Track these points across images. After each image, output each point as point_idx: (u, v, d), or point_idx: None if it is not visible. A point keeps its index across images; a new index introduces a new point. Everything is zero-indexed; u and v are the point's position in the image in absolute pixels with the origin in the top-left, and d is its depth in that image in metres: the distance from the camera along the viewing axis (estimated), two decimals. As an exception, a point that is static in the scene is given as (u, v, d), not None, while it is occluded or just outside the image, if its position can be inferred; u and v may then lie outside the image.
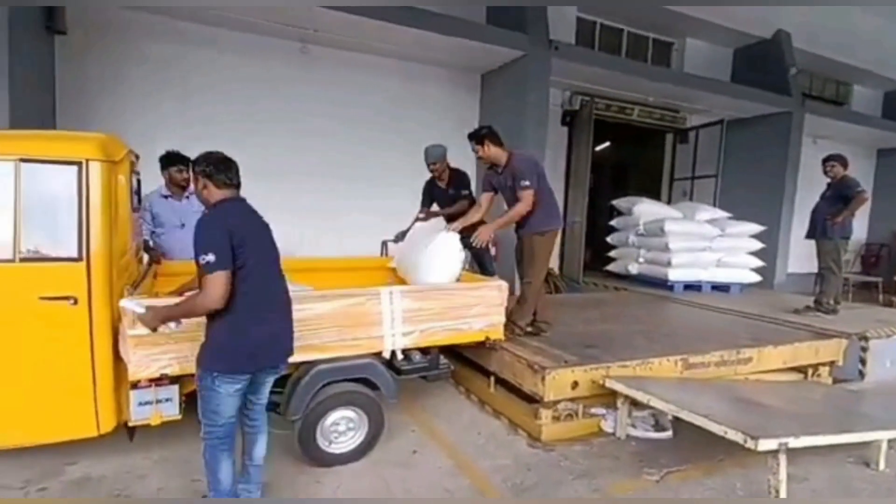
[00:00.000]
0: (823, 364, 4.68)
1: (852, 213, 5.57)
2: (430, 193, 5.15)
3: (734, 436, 2.61)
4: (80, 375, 2.55)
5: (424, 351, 3.43)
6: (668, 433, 3.54)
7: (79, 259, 2.50)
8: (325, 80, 7.07)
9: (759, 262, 7.67)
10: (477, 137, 4.18)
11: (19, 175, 2.42)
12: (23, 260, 2.44)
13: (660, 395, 3.17)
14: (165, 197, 4.14)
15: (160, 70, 6.24)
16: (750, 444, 2.51)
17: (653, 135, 10.65)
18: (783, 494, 2.61)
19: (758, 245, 7.60)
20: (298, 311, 2.82)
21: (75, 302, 2.50)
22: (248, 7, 5.71)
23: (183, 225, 4.10)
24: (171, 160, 4.07)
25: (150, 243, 4.05)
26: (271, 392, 3.05)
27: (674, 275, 7.19)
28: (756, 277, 7.67)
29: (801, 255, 10.59)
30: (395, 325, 3.15)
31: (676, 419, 3.43)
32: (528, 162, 4.20)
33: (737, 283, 7.59)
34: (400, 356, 3.26)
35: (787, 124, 9.46)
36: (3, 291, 2.43)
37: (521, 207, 4.03)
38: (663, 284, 7.31)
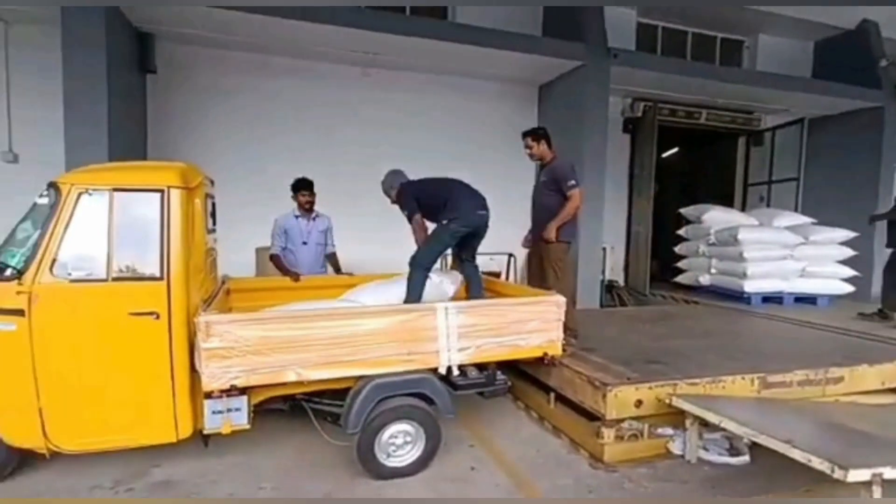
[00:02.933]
0: (931, 385, 4.17)
1: None
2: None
3: (820, 464, 2.38)
4: (162, 385, 2.78)
5: (481, 367, 3.42)
6: (745, 458, 3.29)
7: (160, 278, 2.73)
8: (387, 102, 7.32)
9: (851, 272, 7.01)
10: (535, 134, 4.57)
11: (112, 203, 2.70)
12: (114, 279, 2.70)
13: (734, 416, 2.96)
14: (297, 217, 4.70)
15: (236, 99, 6.75)
16: (838, 473, 2.28)
17: (723, 138, 10.09)
18: (880, 532, 2.34)
19: (849, 252, 6.96)
20: (357, 326, 2.95)
21: (157, 317, 2.73)
22: (308, 34, 6.05)
23: (305, 243, 4.70)
24: (296, 186, 4.66)
25: (282, 259, 4.60)
26: (332, 404, 3.20)
27: (750, 286, 6.72)
28: (848, 288, 7.01)
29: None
30: (450, 340, 3.16)
31: (755, 444, 3.20)
32: (571, 165, 4.47)
33: (825, 295, 6.97)
34: (456, 372, 3.26)
35: (879, 120, 8.64)
36: (98, 308, 2.71)
37: (574, 205, 4.29)
38: (739, 296, 6.85)
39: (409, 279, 3.65)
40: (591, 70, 6.94)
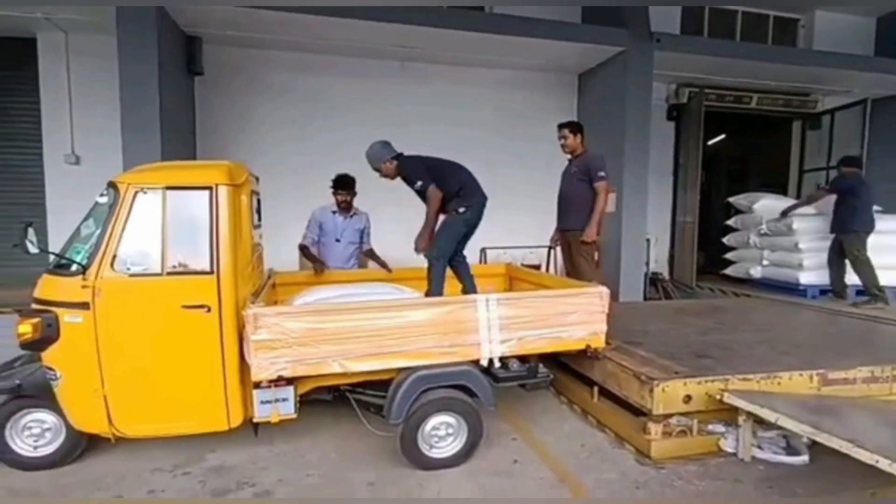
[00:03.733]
0: None
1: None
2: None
3: (888, 466, 2.24)
4: (214, 375, 2.89)
5: (523, 359, 3.39)
6: (804, 458, 3.12)
7: (211, 272, 2.84)
8: (424, 95, 7.33)
9: (922, 262, 6.52)
10: (572, 126, 4.70)
11: (165, 201, 2.82)
12: (168, 274, 2.83)
13: (791, 413, 2.83)
14: (333, 213, 4.70)
15: (280, 98, 6.93)
16: (908, 475, 2.14)
17: (776, 123, 9.58)
18: (957, 539, 2.18)
19: (919, 242, 6.48)
20: (398, 318, 2.97)
21: (209, 310, 2.84)
22: (348, 32, 6.12)
23: (338, 240, 4.71)
24: (335, 184, 4.64)
25: (315, 251, 4.65)
26: (375, 395, 3.25)
27: (806, 278, 6.39)
28: (919, 280, 6.53)
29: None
30: (492, 332, 3.15)
31: (814, 443, 3.04)
32: (602, 158, 4.62)
33: (892, 288, 6.52)
34: (497, 364, 3.24)
35: (952, 98, 7.99)
36: (154, 301, 2.84)
37: (603, 197, 4.45)
38: (793, 289, 6.51)
39: (431, 273, 3.66)
40: (632, 56, 6.73)
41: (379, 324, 2.93)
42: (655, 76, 7.02)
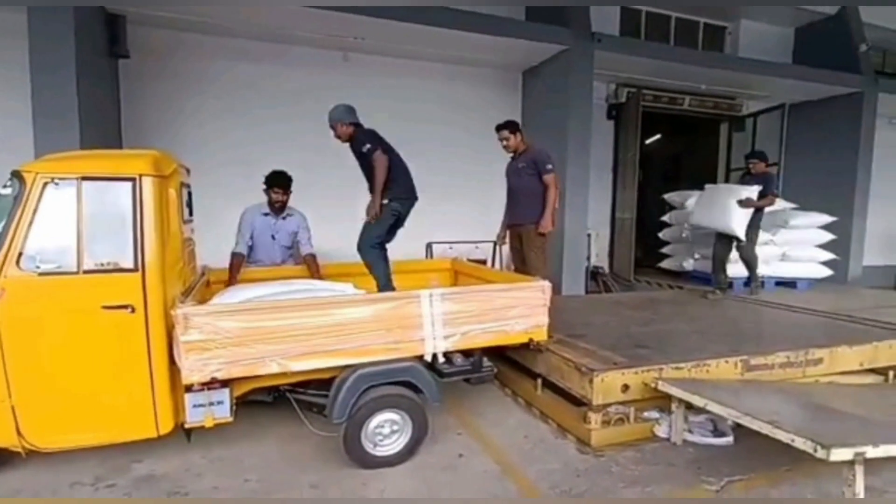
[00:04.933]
0: (907, 365, 4.26)
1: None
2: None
3: (803, 444, 2.40)
4: (140, 380, 2.70)
5: (467, 353, 3.40)
6: (729, 439, 3.33)
7: (135, 270, 2.64)
8: (367, 88, 7.18)
9: (829, 255, 7.13)
10: (510, 126, 4.73)
11: (81, 192, 2.59)
12: (86, 272, 2.60)
13: (718, 399, 2.99)
14: (265, 215, 4.41)
15: (216, 86, 6.56)
16: (821, 453, 2.30)
17: (706, 124, 10.17)
18: (860, 509, 2.38)
19: (828, 237, 7.08)
20: (340, 315, 2.89)
21: (133, 310, 2.64)
22: (289, 19, 5.89)
23: (273, 237, 4.41)
24: (269, 181, 4.33)
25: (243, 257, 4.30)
26: (317, 395, 3.15)
27: (731, 270, 6.77)
28: (827, 272, 7.14)
29: (879, 247, 9.83)
30: (435, 327, 3.13)
31: (738, 425, 3.24)
32: (548, 152, 4.71)
33: (805, 279, 7.09)
34: (441, 359, 3.23)
35: (858, 105, 8.77)
36: (69, 301, 2.61)
37: (555, 189, 4.55)
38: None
39: (369, 264, 3.70)
40: (575, 55, 6.89)
41: (319, 321, 2.84)
42: (596, 75, 7.23)
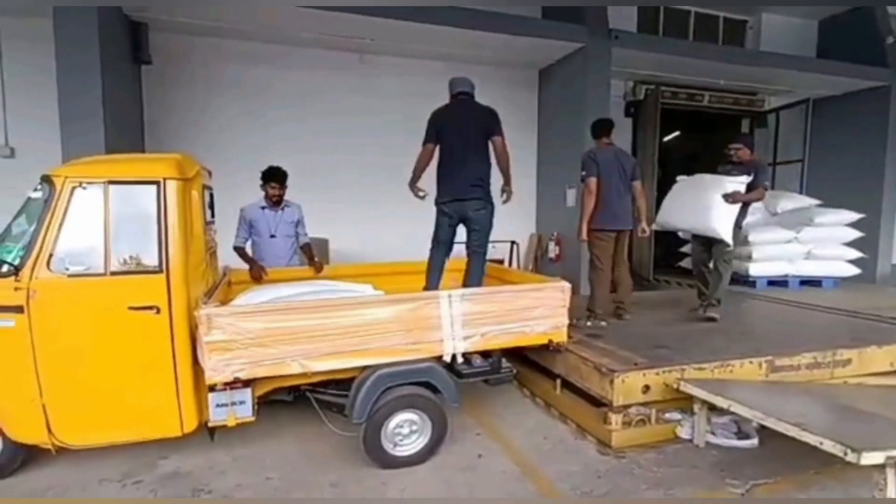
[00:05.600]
0: (940, 366, 4.13)
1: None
2: None
3: (832, 447, 2.35)
4: (165, 379, 2.75)
5: (486, 354, 3.39)
6: (754, 441, 3.27)
7: (160, 271, 2.70)
8: (384, 89, 7.23)
9: (857, 254, 6.95)
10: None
11: (108, 196, 2.65)
12: (113, 273, 2.67)
13: (742, 400, 2.93)
14: (263, 208, 4.42)
15: (235, 89, 6.67)
16: (851, 456, 2.25)
17: (727, 120, 9.97)
18: (893, 514, 2.32)
19: (855, 234, 6.90)
20: (360, 316, 2.91)
21: (158, 311, 2.70)
22: (301, 21, 5.95)
23: (273, 236, 4.45)
24: (266, 177, 4.35)
25: (250, 252, 4.40)
26: (336, 394, 3.18)
27: (755, 269, 6.68)
28: (854, 270, 6.96)
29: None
30: (454, 328, 3.13)
31: (763, 427, 3.17)
32: (584, 156, 4.67)
33: (830, 277, 6.93)
34: (461, 360, 3.23)
35: (886, 99, 8.51)
36: (97, 302, 2.67)
37: (586, 198, 4.56)
38: (744, 280, 6.80)
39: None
40: (591, 52, 6.83)
41: (340, 322, 2.86)
42: (613, 73, 7.16)
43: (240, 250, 4.34)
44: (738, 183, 4.70)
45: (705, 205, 4.74)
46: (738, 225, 4.79)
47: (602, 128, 4.82)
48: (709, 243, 4.93)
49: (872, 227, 8.02)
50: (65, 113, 4.95)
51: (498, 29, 6.41)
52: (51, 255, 2.59)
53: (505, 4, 6.88)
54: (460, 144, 3.70)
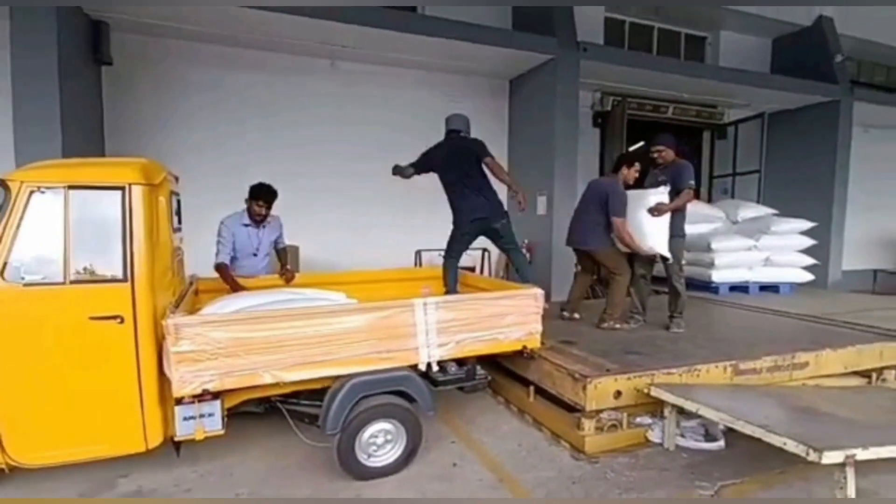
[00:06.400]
0: (890, 368, 4.36)
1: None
2: None
3: (795, 448, 2.44)
4: (128, 392, 2.64)
5: (460, 362, 3.38)
6: (720, 444, 3.36)
7: (124, 280, 2.59)
8: (356, 96, 7.19)
9: (810, 261, 7.28)
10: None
11: (68, 201, 2.54)
12: (73, 282, 2.54)
13: (711, 403, 3.02)
14: (245, 225, 4.26)
15: (204, 94, 6.49)
16: (813, 456, 2.34)
17: (689, 132, 10.32)
18: (852, 511, 2.42)
19: (809, 242, 7.23)
20: (334, 325, 2.87)
21: (122, 321, 2.59)
22: (282, 26, 5.87)
23: (255, 254, 4.32)
24: (255, 194, 4.18)
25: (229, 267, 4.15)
26: (309, 405, 3.11)
27: (718, 276, 6.91)
28: (808, 276, 7.29)
29: (857, 252, 10.08)
30: (429, 336, 3.11)
31: (730, 429, 3.27)
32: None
33: (787, 283, 7.23)
34: (435, 368, 3.22)
35: (835, 114, 9.01)
36: (55, 312, 2.54)
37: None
38: (706, 286, 7.02)
39: None
40: (561, 64, 6.98)
41: (314, 331, 2.80)
42: (581, 84, 7.34)
43: (222, 268, 4.01)
44: (659, 194, 4.53)
45: (636, 225, 4.57)
46: (679, 234, 4.67)
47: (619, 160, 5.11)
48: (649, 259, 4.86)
49: (824, 235, 8.45)
50: (19, 116, 4.72)
51: (470, 39, 6.48)
52: (5, 264, 2.45)
53: (475, 16, 6.98)
54: (456, 177, 4.26)
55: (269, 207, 4.24)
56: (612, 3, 8.36)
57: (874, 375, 4.32)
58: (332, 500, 2.83)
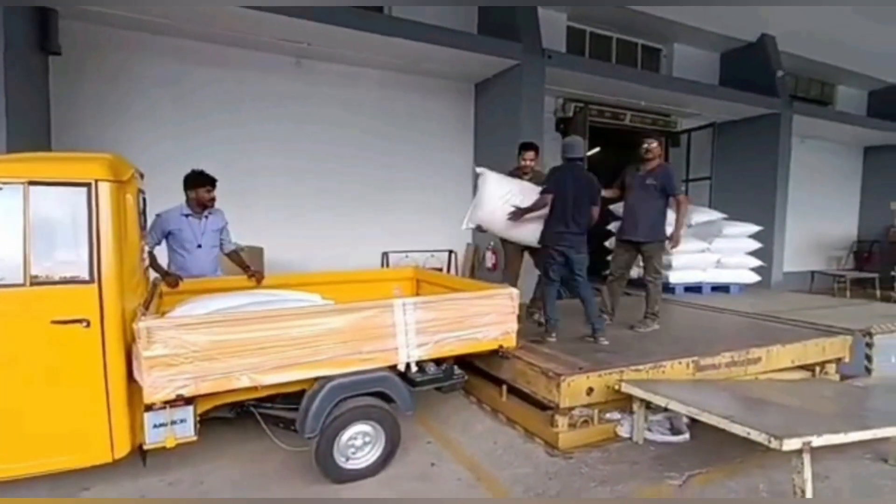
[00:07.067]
0: (830, 361, 4.70)
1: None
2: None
3: (757, 436, 2.59)
4: (94, 400, 2.50)
5: (438, 362, 3.40)
6: (686, 436, 3.53)
7: (90, 281, 2.46)
8: (321, 95, 7.09)
9: (757, 262, 7.73)
10: (537, 147, 5.05)
11: (27, 198, 2.39)
12: (34, 284, 2.39)
13: (678, 397, 3.16)
14: (186, 216, 4.10)
15: (156, 88, 6.21)
16: (774, 444, 2.50)
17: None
18: (809, 494, 2.59)
19: (756, 245, 7.67)
20: (314, 326, 2.82)
21: (88, 324, 2.45)
22: (244, 21, 5.71)
23: (200, 245, 4.15)
24: (199, 181, 4.07)
25: (168, 264, 4.06)
26: (284, 408, 3.05)
27: (675, 277, 7.23)
28: (755, 277, 7.73)
29: (796, 254, 10.79)
30: (409, 336, 3.12)
31: (693, 421, 3.44)
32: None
33: (736, 284, 7.65)
34: (414, 368, 3.22)
35: (776, 125, 9.62)
36: (14, 316, 2.38)
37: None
38: (664, 287, 7.31)
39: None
40: (526, 70, 7.11)
41: (293, 332, 2.75)
42: (545, 90, 7.49)
43: (151, 256, 3.88)
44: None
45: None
46: (662, 238, 4.96)
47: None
48: (636, 251, 5.09)
49: (768, 238, 8.98)
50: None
51: (437, 42, 6.50)
52: (-42, 264, 2.28)
53: (445, 17, 7.03)
54: (574, 209, 4.35)
55: (213, 189, 4.12)
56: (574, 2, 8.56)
57: (817, 369, 4.66)
58: (332, 501, 2.77)
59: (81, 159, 2.62)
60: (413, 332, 3.14)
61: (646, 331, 4.90)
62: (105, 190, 2.51)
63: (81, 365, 2.47)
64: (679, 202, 4.90)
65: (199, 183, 4.05)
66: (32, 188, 2.41)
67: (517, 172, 5.08)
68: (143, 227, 3.16)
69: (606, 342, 4.32)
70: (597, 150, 11.76)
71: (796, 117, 9.81)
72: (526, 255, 5.24)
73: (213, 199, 4.14)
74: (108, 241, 2.50)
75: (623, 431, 3.57)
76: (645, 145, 4.96)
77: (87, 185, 2.48)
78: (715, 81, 10.31)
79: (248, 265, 4.27)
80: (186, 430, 2.70)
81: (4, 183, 2.39)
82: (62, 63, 5.70)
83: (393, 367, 3.13)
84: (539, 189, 4.54)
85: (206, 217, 4.17)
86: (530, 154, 5.06)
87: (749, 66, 9.86)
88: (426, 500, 2.82)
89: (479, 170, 4.96)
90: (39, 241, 2.42)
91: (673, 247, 4.95)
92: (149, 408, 2.58)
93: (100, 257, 2.47)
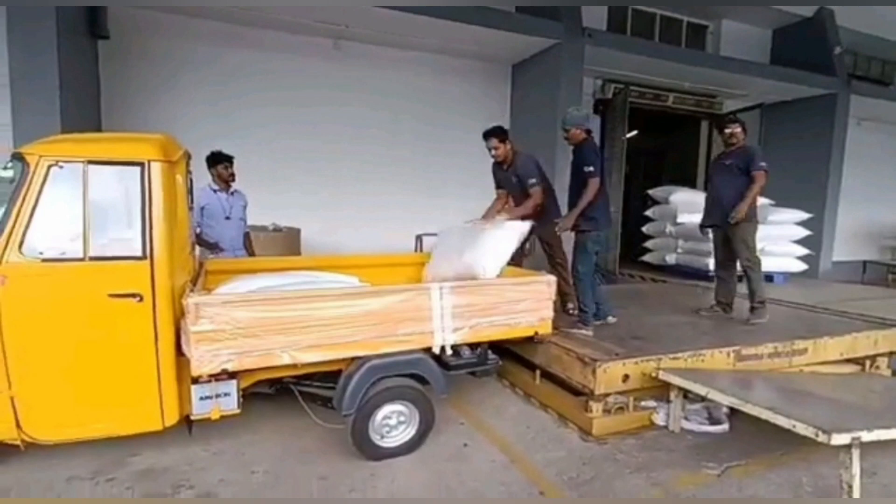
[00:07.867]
0: (882, 355, 4.49)
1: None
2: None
3: (804, 430, 2.51)
4: (146, 370, 2.63)
5: (472, 346, 3.42)
6: (724, 426, 3.45)
7: (143, 257, 2.57)
8: (358, 78, 7.11)
9: (804, 251, 7.42)
10: (501, 134, 4.37)
11: (87, 177, 2.50)
12: (92, 259, 2.51)
13: (718, 387, 3.09)
14: (215, 191, 4.48)
15: (201, 71, 6.38)
16: (822, 438, 2.42)
17: (688, 121, 10.39)
18: (857, 490, 2.51)
19: (803, 233, 7.36)
20: (353, 307, 2.87)
21: (140, 299, 2.57)
22: (280, 6, 5.76)
23: (228, 217, 4.49)
24: (217, 159, 4.47)
25: (202, 235, 4.43)
26: (322, 387, 3.13)
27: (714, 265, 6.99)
28: (802, 266, 7.44)
29: (847, 243, 10.27)
30: (444, 320, 3.14)
31: (732, 412, 3.36)
32: (534, 161, 4.50)
33: (781, 273, 7.37)
34: (449, 351, 3.25)
35: (832, 106, 9.10)
36: (74, 289, 2.52)
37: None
38: (704, 275, 7.13)
39: (580, 291, 4.22)
40: (565, 49, 6.95)
41: (333, 312, 2.81)
42: (584, 70, 7.30)
43: (196, 236, 4.23)
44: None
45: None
46: (752, 219, 4.63)
47: None
48: (727, 240, 4.77)
49: (817, 226, 8.59)
50: (18, 89, 4.60)
51: (476, 21, 6.41)
52: (23, 239, 2.41)
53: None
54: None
55: (231, 165, 4.51)
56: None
57: (867, 363, 4.45)
58: (335, 501, 2.83)
59: (135, 139, 2.72)
60: (449, 317, 3.15)
61: (760, 321, 4.58)
62: (157, 169, 2.61)
63: (135, 337, 2.59)
64: (753, 178, 4.46)
65: (217, 161, 4.46)
66: (91, 167, 2.52)
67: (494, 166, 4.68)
68: (190, 206, 3.26)
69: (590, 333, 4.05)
70: (634, 133, 11.46)
71: (854, 98, 9.24)
72: (538, 247, 4.92)
73: (232, 175, 4.50)
74: (159, 219, 2.60)
75: (659, 420, 3.52)
76: (728, 130, 4.70)
77: (141, 164, 2.58)
78: (766, 60, 9.81)
79: (253, 250, 4.73)
80: (230, 404, 2.81)
81: (66, 162, 2.51)
82: (110, 47, 5.90)
83: (428, 350, 3.17)
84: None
85: (232, 194, 4.55)
86: (493, 142, 4.35)
87: (804, 44, 9.33)
88: (426, 500, 2.84)
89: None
90: (97, 217, 2.53)
91: (731, 217, 4.47)
92: (195, 380, 2.69)
93: (152, 235, 2.58)
